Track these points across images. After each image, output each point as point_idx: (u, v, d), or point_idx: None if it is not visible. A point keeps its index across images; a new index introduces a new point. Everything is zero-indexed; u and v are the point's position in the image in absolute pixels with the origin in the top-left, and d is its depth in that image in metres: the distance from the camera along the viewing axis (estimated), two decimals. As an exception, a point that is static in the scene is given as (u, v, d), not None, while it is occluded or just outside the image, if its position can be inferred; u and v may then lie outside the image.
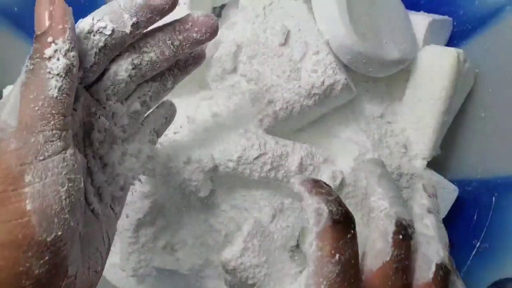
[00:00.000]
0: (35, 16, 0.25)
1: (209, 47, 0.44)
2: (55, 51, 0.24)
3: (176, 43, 0.31)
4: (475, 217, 0.48)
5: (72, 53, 0.24)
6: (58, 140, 0.24)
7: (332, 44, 0.43)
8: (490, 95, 0.48)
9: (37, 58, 0.24)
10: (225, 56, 0.44)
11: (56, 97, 0.24)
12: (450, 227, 0.50)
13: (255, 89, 0.43)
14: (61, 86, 0.24)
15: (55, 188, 0.23)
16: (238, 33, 0.45)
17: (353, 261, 0.29)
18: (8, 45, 0.49)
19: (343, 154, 0.45)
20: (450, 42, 0.53)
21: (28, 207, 0.22)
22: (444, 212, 0.48)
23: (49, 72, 0.24)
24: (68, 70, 0.24)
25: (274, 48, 0.43)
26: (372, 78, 0.49)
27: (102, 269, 0.30)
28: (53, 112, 0.24)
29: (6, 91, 0.46)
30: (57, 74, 0.24)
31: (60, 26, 0.24)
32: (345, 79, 0.43)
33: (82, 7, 0.54)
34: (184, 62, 0.35)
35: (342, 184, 0.43)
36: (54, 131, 0.24)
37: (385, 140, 0.47)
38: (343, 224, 0.29)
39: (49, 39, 0.24)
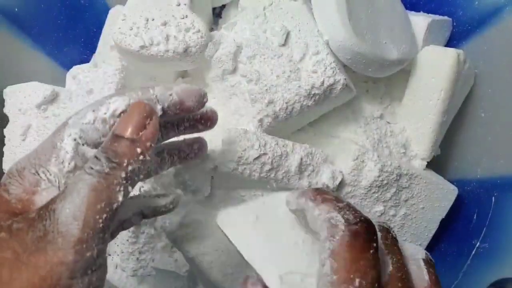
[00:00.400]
0: (128, 114, 0.25)
1: (209, 47, 0.44)
2: (133, 166, 0.24)
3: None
4: (474, 217, 0.48)
5: (144, 173, 0.25)
6: (104, 253, 0.24)
7: (332, 45, 0.43)
8: (489, 96, 0.48)
9: (115, 163, 0.23)
10: (225, 57, 0.44)
11: (116, 210, 0.24)
12: (449, 227, 0.50)
13: (255, 89, 0.43)
14: (123, 200, 0.24)
15: None
16: (238, 34, 0.45)
17: (376, 285, 0.23)
18: (8, 45, 0.49)
19: (343, 154, 0.45)
20: (450, 43, 0.53)
21: None
22: (444, 212, 0.48)
23: (122, 184, 0.23)
24: (132, 186, 0.24)
25: (274, 48, 0.43)
26: (372, 78, 0.49)
27: None
28: (109, 225, 0.23)
29: (6, 91, 0.46)
30: (126, 188, 0.24)
31: (149, 144, 0.25)
32: (345, 79, 0.43)
33: (82, 7, 0.55)
34: (187, 154, 0.35)
35: (342, 184, 0.44)
36: (104, 244, 0.24)
37: (385, 140, 0.47)
38: (364, 236, 0.23)
39: (138, 150, 0.24)
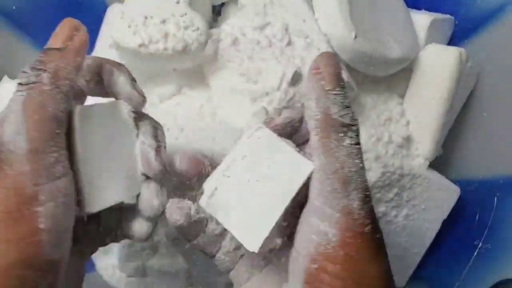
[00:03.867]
0: (56, 30, 0.26)
1: (208, 45, 0.44)
2: (60, 70, 0.24)
3: None
4: (477, 217, 0.47)
5: (72, 77, 0.25)
6: (64, 161, 0.24)
7: (333, 43, 0.43)
8: (492, 95, 0.48)
9: (39, 70, 0.24)
10: (224, 55, 0.44)
11: (60, 116, 0.24)
12: (451, 227, 0.49)
13: (255, 89, 0.43)
14: (65, 106, 0.24)
15: (64, 208, 0.24)
16: (238, 32, 0.45)
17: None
18: (6, 44, 0.49)
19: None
20: (452, 41, 0.52)
21: (41, 226, 0.23)
22: (446, 213, 0.48)
23: (53, 88, 0.24)
24: (68, 92, 0.25)
25: (274, 47, 0.43)
26: (373, 77, 0.49)
27: None
28: (58, 132, 0.24)
29: (3, 83, 0.46)
30: (61, 92, 0.24)
31: (74, 52, 0.26)
32: (346, 78, 0.42)
33: (80, 5, 0.54)
34: None
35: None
36: (61, 152, 0.24)
37: (387, 140, 0.47)
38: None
39: (64, 58, 0.25)
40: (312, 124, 0.26)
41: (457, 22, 0.52)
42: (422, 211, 0.47)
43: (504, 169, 0.46)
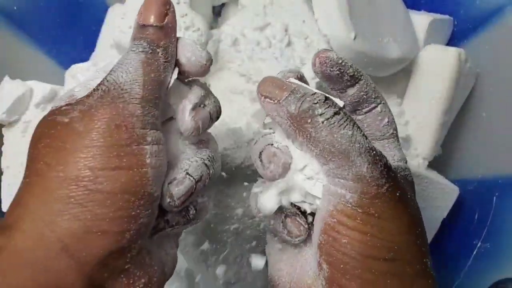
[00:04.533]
0: (147, 5, 0.29)
1: (208, 46, 0.44)
2: (168, 47, 0.28)
3: None
4: (476, 217, 0.48)
5: (174, 53, 0.28)
6: (159, 120, 0.27)
7: (333, 43, 0.43)
8: (491, 95, 0.48)
9: (154, 45, 0.27)
10: (225, 56, 0.44)
11: (166, 84, 0.28)
12: (451, 227, 0.49)
13: (255, 89, 0.43)
14: (168, 78, 0.28)
15: (163, 154, 0.26)
16: (238, 32, 0.45)
17: None
18: (7, 44, 0.49)
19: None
20: (451, 42, 0.53)
21: (148, 161, 0.25)
22: (445, 212, 0.48)
23: (163, 63, 0.27)
24: (169, 70, 0.28)
25: (274, 47, 0.43)
26: (373, 77, 0.49)
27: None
28: (161, 95, 0.27)
29: (3, 83, 0.46)
30: (170, 67, 0.28)
31: (175, 31, 0.29)
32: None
33: (81, 6, 0.54)
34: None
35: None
36: (159, 112, 0.27)
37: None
38: None
39: (165, 36, 0.28)
40: (290, 133, 0.27)
41: (456, 23, 0.52)
42: (421, 211, 0.47)
43: (503, 169, 0.46)
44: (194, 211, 0.30)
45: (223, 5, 0.52)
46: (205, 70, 0.30)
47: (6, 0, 0.48)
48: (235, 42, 0.44)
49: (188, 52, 0.29)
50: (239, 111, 0.44)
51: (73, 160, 0.24)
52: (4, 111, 0.44)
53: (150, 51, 0.27)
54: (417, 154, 0.48)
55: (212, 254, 0.44)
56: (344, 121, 0.25)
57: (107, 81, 0.26)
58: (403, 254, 0.26)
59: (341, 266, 0.25)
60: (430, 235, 0.48)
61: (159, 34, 0.28)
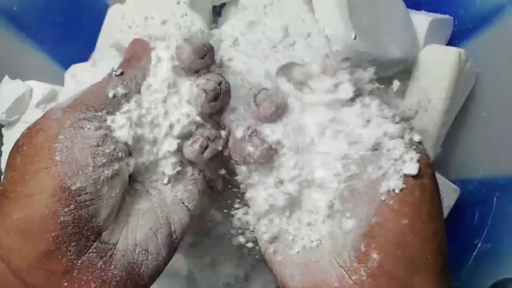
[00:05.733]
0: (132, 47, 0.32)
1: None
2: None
3: None
4: (476, 217, 0.48)
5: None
6: (96, 121, 0.28)
7: (333, 43, 0.43)
8: (491, 95, 0.48)
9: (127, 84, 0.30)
10: (225, 56, 0.44)
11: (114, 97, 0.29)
12: (451, 227, 0.49)
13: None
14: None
15: (82, 146, 0.26)
16: (238, 32, 0.45)
17: None
18: (7, 44, 0.49)
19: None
20: (451, 42, 0.52)
21: (57, 158, 0.25)
22: (445, 212, 0.48)
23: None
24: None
25: (274, 47, 0.43)
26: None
27: (160, 254, 0.29)
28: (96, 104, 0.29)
29: (3, 83, 0.46)
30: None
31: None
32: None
33: (81, 6, 0.54)
34: None
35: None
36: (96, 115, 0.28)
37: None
38: None
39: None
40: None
41: (456, 23, 0.52)
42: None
43: (504, 169, 0.46)
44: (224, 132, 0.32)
45: (223, 5, 0.52)
46: None
47: (6, 0, 0.48)
48: (235, 42, 0.44)
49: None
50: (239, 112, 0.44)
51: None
52: (4, 111, 0.44)
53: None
54: (417, 154, 0.48)
55: (212, 254, 0.44)
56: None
57: None
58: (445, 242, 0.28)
59: (399, 253, 0.25)
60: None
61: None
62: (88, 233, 0.25)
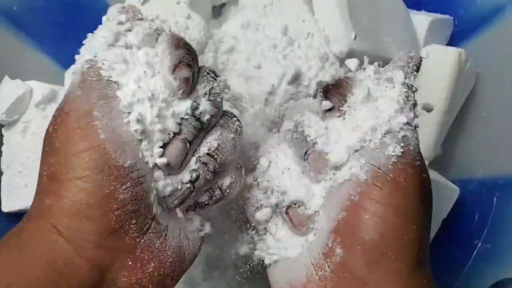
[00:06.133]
0: None
1: (208, 45, 0.44)
2: None
3: None
4: (476, 217, 0.48)
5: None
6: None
7: (333, 43, 0.43)
8: (491, 95, 0.48)
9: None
10: (224, 56, 0.44)
11: None
12: (451, 227, 0.49)
13: (255, 89, 0.43)
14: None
15: (119, 122, 0.25)
16: (238, 32, 0.45)
17: None
18: (7, 44, 0.49)
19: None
20: (451, 42, 0.52)
21: (102, 136, 0.24)
22: (445, 212, 0.48)
23: None
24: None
25: (274, 47, 0.43)
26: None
27: (195, 242, 0.29)
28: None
29: (3, 83, 0.46)
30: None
31: None
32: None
33: (81, 6, 0.54)
34: None
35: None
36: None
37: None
38: None
39: None
40: None
41: (456, 23, 0.52)
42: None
43: (504, 169, 0.46)
44: (220, 192, 0.29)
45: (223, 5, 0.52)
46: None
47: (6, 0, 0.48)
48: (235, 42, 0.44)
49: None
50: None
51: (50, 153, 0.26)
52: (4, 111, 0.44)
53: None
54: (417, 154, 0.48)
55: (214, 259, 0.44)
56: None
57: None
58: (419, 241, 0.26)
59: (359, 248, 0.25)
60: (430, 235, 0.48)
61: None
62: (145, 211, 0.25)
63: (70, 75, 0.47)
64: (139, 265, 0.25)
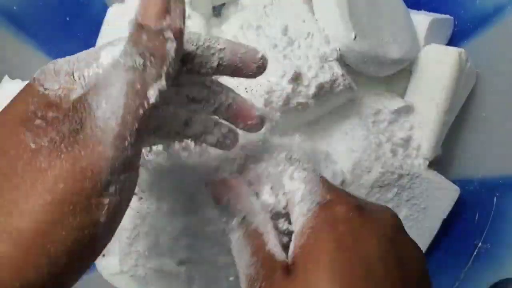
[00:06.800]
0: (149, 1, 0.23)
1: (209, 46, 0.44)
2: (166, 58, 0.23)
3: None
4: (476, 217, 0.48)
5: (176, 67, 0.23)
6: (139, 155, 0.24)
7: (333, 43, 0.43)
8: (491, 95, 0.48)
9: (147, 59, 0.22)
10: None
11: (152, 110, 0.23)
12: (451, 227, 0.49)
13: (255, 89, 0.43)
14: (158, 101, 0.23)
15: (126, 204, 0.24)
16: (238, 32, 0.45)
17: None
18: (7, 44, 0.49)
19: (344, 154, 0.44)
20: (452, 41, 0.52)
21: (102, 219, 0.22)
22: (445, 212, 0.48)
23: (157, 81, 0.22)
24: (168, 83, 0.23)
25: (274, 47, 0.43)
26: (373, 77, 0.49)
27: None
28: (145, 125, 0.23)
29: (3, 83, 0.46)
30: (162, 86, 0.23)
31: (179, 31, 0.23)
32: (346, 78, 0.42)
33: (81, 6, 0.54)
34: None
35: (343, 183, 0.43)
36: (139, 146, 0.23)
37: (386, 140, 0.47)
38: None
39: (169, 43, 0.23)
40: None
41: (456, 22, 0.52)
42: (421, 211, 0.47)
43: (504, 169, 0.46)
44: None
45: (223, 5, 0.52)
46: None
47: (6, 0, 0.48)
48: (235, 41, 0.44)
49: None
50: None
51: (24, 207, 0.21)
52: (4, 111, 0.44)
53: (142, 66, 0.22)
54: (417, 154, 0.48)
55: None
56: None
57: (85, 111, 0.22)
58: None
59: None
60: (430, 235, 0.48)
61: (159, 40, 0.23)
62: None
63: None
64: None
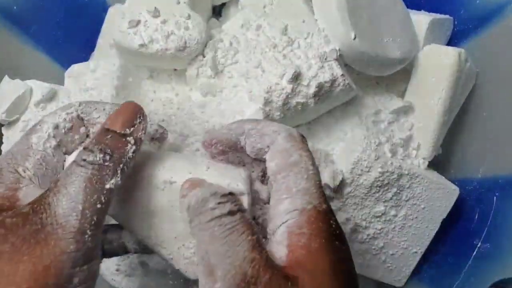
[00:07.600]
0: (119, 111, 0.28)
1: (208, 45, 0.44)
2: (124, 158, 0.26)
3: None
4: (476, 217, 0.47)
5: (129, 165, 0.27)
6: (99, 244, 0.25)
7: (333, 43, 0.43)
8: (491, 95, 0.48)
9: (109, 155, 0.25)
10: (224, 56, 0.44)
11: (109, 200, 0.25)
12: (451, 227, 0.49)
13: (255, 89, 0.43)
14: (114, 189, 0.26)
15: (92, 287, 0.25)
16: (238, 32, 0.45)
17: None
18: (7, 44, 0.49)
19: (344, 153, 0.44)
20: (451, 42, 0.52)
21: None
22: (445, 212, 0.48)
23: (114, 175, 0.25)
24: (123, 174, 0.26)
25: (274, 47, 0.43)
26: (373, 77, 0.49)
27: None
28: (103, 217, 0.25)
29: (3, 83, 0.46)
30: (117, 179, 0.26)
31: (139, 139, 0.28)
32: (346, 78, 0.42)
33: (81, 6, 0.55)
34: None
35: (343, 183, 0.43)
36: (99, 236, 0.25)
37: (386, 140, 0.47)
38: None
39: (129, 145, 0.26)
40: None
41: (456, 23, 0.52)
42: (421, 211, 0.47)
43: (503, 169, 0.46)
44: None
45: (223, 5, 0.52)
46: None
47: (6, 0, 0.48)
48: (235, 42, 0.44)
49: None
50: (240, 110, 0.44)
51: None
52: (4, 111, 0.44)
53: (98, 165, 0.25)
54: (416, 154, 0.48)
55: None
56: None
57: (45, 212, 0.24)
58: None
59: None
60: (430, 235, 0.48)
61: (121, 141, 0.26)
62: None
63: (69, 75, 0.47)
64: None
